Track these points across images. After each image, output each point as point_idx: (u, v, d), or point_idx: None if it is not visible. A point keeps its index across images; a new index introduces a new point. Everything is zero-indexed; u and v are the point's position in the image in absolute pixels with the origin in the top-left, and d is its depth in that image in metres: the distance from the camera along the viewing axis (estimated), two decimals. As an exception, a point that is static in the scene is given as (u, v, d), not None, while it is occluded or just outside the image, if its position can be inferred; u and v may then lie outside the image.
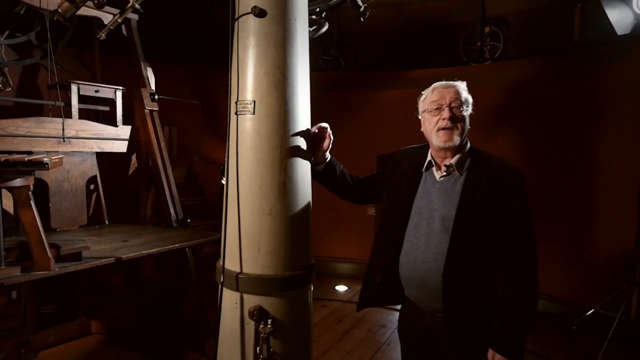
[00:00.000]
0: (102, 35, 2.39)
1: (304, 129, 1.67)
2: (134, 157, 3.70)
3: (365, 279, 1.84)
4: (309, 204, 1.71)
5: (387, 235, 1.75)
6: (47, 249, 2.13)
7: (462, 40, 5.08)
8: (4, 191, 2.10)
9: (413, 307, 1.70)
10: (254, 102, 1.60)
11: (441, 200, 1.60)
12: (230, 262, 1.67)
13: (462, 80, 1.67)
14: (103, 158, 3.72)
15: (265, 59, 1.59)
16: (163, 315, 3.68)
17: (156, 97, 3.59)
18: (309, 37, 1.95)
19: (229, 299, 1.66)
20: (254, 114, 1.60)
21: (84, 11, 3.29)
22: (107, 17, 3.56)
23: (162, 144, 3.56)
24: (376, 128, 5.20)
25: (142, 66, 3.68)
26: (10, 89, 3.64)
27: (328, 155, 1.81)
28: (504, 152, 1.78)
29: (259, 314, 1.57)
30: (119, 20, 2.20)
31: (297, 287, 1.66)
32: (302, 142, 1.66)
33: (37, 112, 3.57)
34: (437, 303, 1.57)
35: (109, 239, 2.89)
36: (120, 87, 3.59)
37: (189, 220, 3.42)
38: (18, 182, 2.00)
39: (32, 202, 2.07)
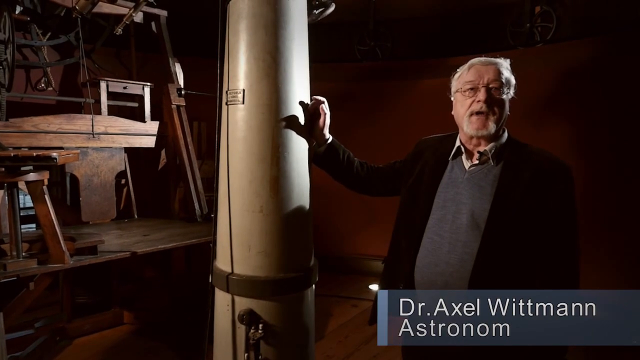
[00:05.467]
0: (119, 30, 2.44)
1: (300, 119, 1.54)
2: (163, 152, 3.76)
3: (381, 285, 1.63)
4: (306, 201, 1.57)
5: (406, 233, 1.53)
6: (62, 242, 2.17)
7: (510, 22, 4.66)
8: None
9: None
10: (244, 90, 1.49)
11: (471, 192, 1.38)
12: (222, 262, 1.60)
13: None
14: (136, 154, 3.82)
15: (255, 43, 1.47)
16: (193, 310, 3.71)
17: (183, 92, 3.61)
18: (314, 20, 1.81)
19: (221, 301, 1.60)
20: (243, 103, 1.49)
21: (114, 9, 3.35)
22: (139, 15, 3.61)
23: (189, 139, 3.58)
24: (414, 119, 4.91)
25: (171, 62, 3.71)
26: (51, 88, 3.82)
27: (329, 135, 1.63)
28: (555, 145, 1.53)
29: (249, 318, 1.48)
30: (133, 15, 2.23)
31: (292, 290, 1.54)
32: (298, 132, 1.52)
33: (75, 109, 3.72)
34: None
35: (132, 233, 2.94)
36: (148, 84, 3.65)
37: (212, 215, 3.40)
38: (32, 176, 2.05)
39: (47, 197, 2.12)
